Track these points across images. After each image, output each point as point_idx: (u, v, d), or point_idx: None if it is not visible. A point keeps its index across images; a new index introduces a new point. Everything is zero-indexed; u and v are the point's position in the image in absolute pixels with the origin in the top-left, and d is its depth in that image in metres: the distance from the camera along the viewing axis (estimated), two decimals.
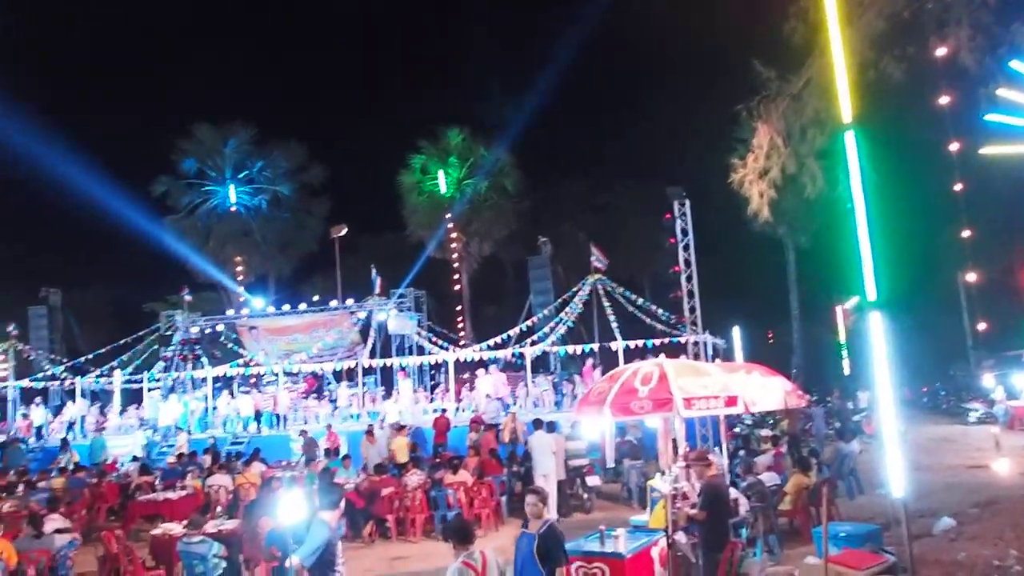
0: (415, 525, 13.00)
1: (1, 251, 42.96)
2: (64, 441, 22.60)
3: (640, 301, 25.56)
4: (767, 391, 9.01)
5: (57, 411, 28.40)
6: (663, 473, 8.98)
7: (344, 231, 32.40)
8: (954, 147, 23.57)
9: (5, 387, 30.15)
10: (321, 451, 18.84)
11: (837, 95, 7.48)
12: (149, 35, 56.25)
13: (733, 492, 9.48)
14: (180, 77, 53.91)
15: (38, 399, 29.52)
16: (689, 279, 16.63)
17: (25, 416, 27.11)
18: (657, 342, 22.44)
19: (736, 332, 28.51)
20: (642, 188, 40.21)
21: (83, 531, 13.92)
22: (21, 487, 15.77)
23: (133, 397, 29.66)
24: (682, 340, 21.11)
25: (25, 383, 30.08)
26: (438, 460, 16.49)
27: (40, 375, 30.49)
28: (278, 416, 25.28)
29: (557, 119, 46.30)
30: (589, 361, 23.84)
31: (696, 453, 8.59)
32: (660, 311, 24.66)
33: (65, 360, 31.96)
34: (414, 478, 14.01)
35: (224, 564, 9.17)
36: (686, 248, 16.72)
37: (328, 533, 6.01)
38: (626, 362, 15.90)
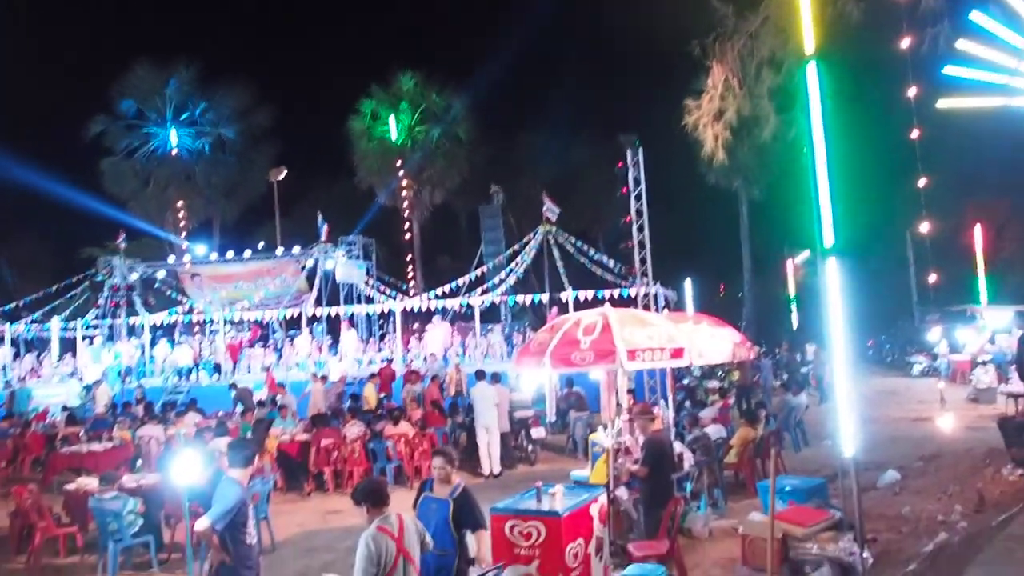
0: (352, 478, 12.56)
1: None
2: None
3: (592, 252, 25.24)
4: (715, 342, 8.69)
5: None
6: (606, 427, 8.65)
7: (283, 174, 31.39)
8: (912, 92, 23.13)
9: None
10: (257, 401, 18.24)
11: (795, 31, 6.99)
12: None
13: (678, 446, 9.21)
14: (117, 7, 51.38)
15: None
16: (641, 230, 16.15)
17: None
18: (608, 293, 22.19)
19: (688, 284, 28.48)
20: (598, 138, 39.63)
21: (3, 484, 13.29)
22: None
23: (70, 345, 28.57)
24: (632, 292, 20.85)
25: None
26: (380, 411, 16.07)
27: None
28: (218, 365, 24.51)
29: (513, 66, 45.33)
30: (555, 309, 23.39)
31: (639, 407, 8.25)
32: (611, 262, 24.39)
33: None
34: (353, 429, 13.52)
35: (141, 520, 8.62)
36: (638, 198, 16.19)
37: (240, 492, 5.45)
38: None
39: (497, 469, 13.34)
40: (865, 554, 6.40)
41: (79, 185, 35.59)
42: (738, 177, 33.08)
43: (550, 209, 25.45)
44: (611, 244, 34.13)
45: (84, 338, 27.87)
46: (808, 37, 6.51)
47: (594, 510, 6.75)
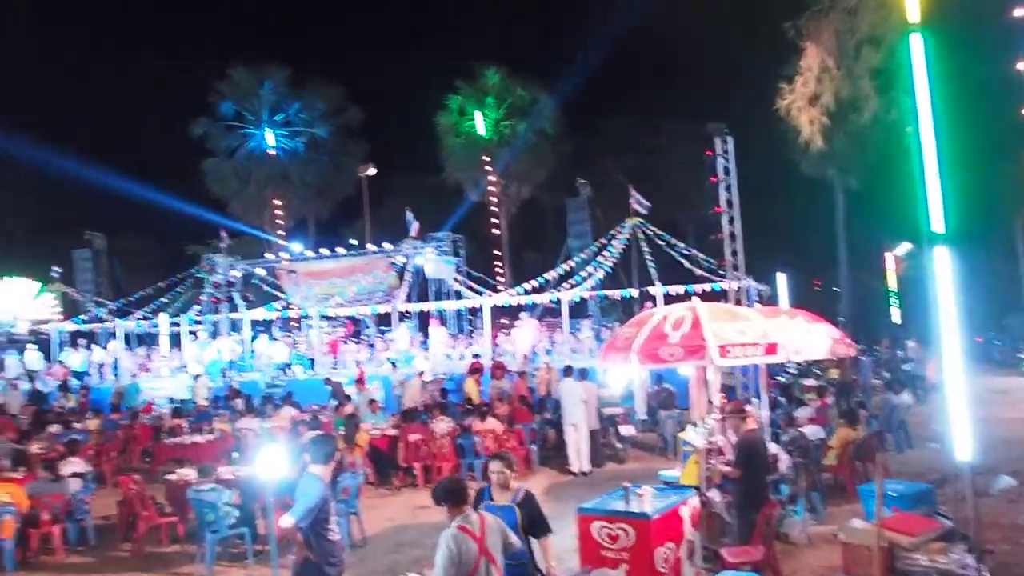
0: (441, 473, 12.63)
1: (46, 197, 44.13)
2: (64, 384, 22.81)
3: (680, 245, 24.73)
4: (812, 338, 8.31)
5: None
6: (696, 426, 8.38)
7: (372, 171, 32.00)
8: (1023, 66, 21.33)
9: (50, 329, 30.73)
10: (354, 395, 18.59)
11: (897, 4, 6.54)
12: None
13: (773, 447, 8.85)
14: (215, 16, 53.42)
15: (83, 342, 29.84)
16: (731, 221, 15.67)
17: (61, 363, 27.29)
18: (698, 288, 21.65)
19: (781, 278, 27.54)
20: (686, 127, 38.93)
21: (114, 473, 13.88)
22: (56, 427, 15.79)
23: (177, 340, 29.91)
24: (724, 286, 20.29)
25: (69, 325, 30.47)
26: (469, 407, 16.15)
27: (84, 317, 30.92)
28: (312, 360, 25.19)
29: (597, 58, 44.90)
30: (647, 304, 22.96)
31: (732, 405, 7.94)
32: (701, 256, 23.82)
33: (110, 303, 32.34)
34: (442, 425, 13.63)
35: (237, 512, 8.86)
36: (728, 188, 15.71)
37: (322, 489, 5.43)
38: None
39: (587, 467, 13.19)
40: (981, 567, 5.99)
41: (184, 185, 37.36)
42: (833, 165, 31.82)
43: (638, 201, 25.01)
44: (700, 236, 33.46)
45: (189, 333, 29.15)
46: (911, 6, 6.08)
47: (685, 512, 6.55)
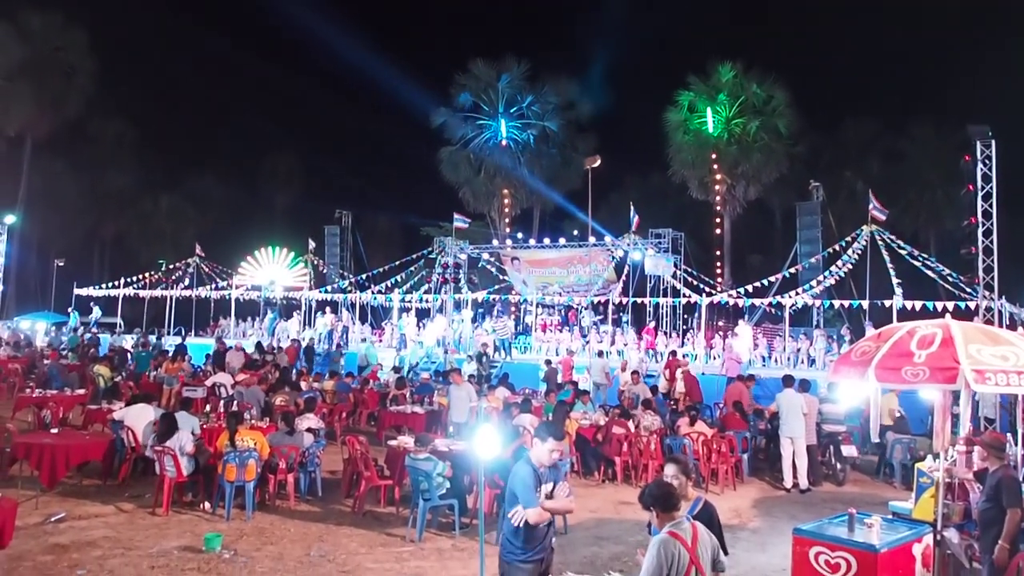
0: (647, 471, 12.43)
1: (305, 177, 49.14)
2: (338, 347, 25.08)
3: (923, 257, 22.72)
4: None
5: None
6: (936, 456, 7.57)
7: (597, 162, 32.24)
8: None
9: (301, 296, 34.18)
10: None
11: None
12: None
13: None
14: (457, 13, 56.24)
15: (327, 309, 32.85)
16: (987, 234, 14.11)
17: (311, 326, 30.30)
18: (940, 305, 19.74)
19: None
20: (934, 131, 35.95)
21: (343, 432, 15.02)
22: (303, 384, 17.39)
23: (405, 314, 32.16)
24: (972, 305, 18.37)
25: (315, 294, 33.64)
26: (676, 406, 15.87)
27: (328, 288, 34.04)
28: (510, 343, 26.15)
29: (838, 54, 42.20)
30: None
31: (991, 436, 7.05)
32: (947, 271, 21.82)
33: (351, 276, 35.35)
34: (652, 421, 13.41)
35: (448, 484, 9.22)
36: (986, 198, 14.16)
37: (532, 471, 5.27)
38: None
39: (804, 484, 12.44)
40: None
41: (422, 171, 39.91)
42: None
43: (877, 208, 23.28)
44: (945, 250, 30.57)
45: (415, 309, 31.22)
46: None
47: (917, 551, 5.92)
